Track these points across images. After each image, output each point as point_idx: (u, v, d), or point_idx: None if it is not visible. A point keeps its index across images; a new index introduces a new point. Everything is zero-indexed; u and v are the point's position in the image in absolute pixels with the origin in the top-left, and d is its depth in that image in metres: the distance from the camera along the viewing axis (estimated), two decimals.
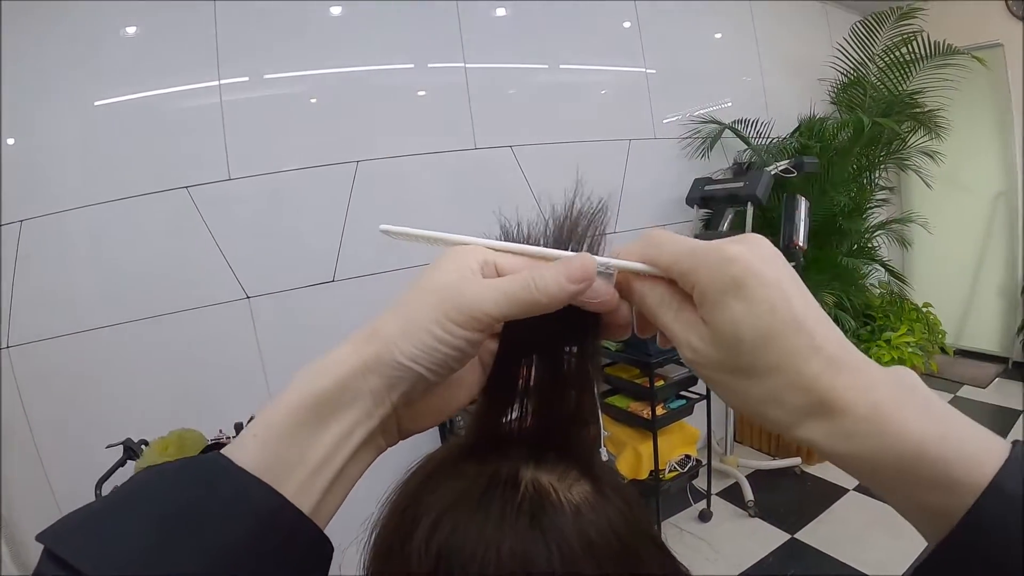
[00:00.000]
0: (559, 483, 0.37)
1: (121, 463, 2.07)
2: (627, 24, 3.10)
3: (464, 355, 0.36)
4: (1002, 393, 4.01)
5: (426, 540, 0.35)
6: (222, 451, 0.32)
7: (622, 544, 0.37)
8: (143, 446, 2.11)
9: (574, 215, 0.40)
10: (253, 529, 0.29)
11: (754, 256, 0.33)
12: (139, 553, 0.27)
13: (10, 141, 2.11)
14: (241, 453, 0.31)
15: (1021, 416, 3.64)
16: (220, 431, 2.25)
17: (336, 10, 2.52)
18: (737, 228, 2.88)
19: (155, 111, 2.24)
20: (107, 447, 2.06)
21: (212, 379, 2.42)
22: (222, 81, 2.31)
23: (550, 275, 0.35)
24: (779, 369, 0.32)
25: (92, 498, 1.82)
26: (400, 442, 0.40)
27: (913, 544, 2.58)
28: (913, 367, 3.40)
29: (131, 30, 2.20)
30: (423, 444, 0.43)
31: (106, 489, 1.93)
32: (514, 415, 0.41)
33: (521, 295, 0.35)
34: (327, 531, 0.34)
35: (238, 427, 2.28)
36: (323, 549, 0.33)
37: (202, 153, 2.31)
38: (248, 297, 2.42)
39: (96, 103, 2.18)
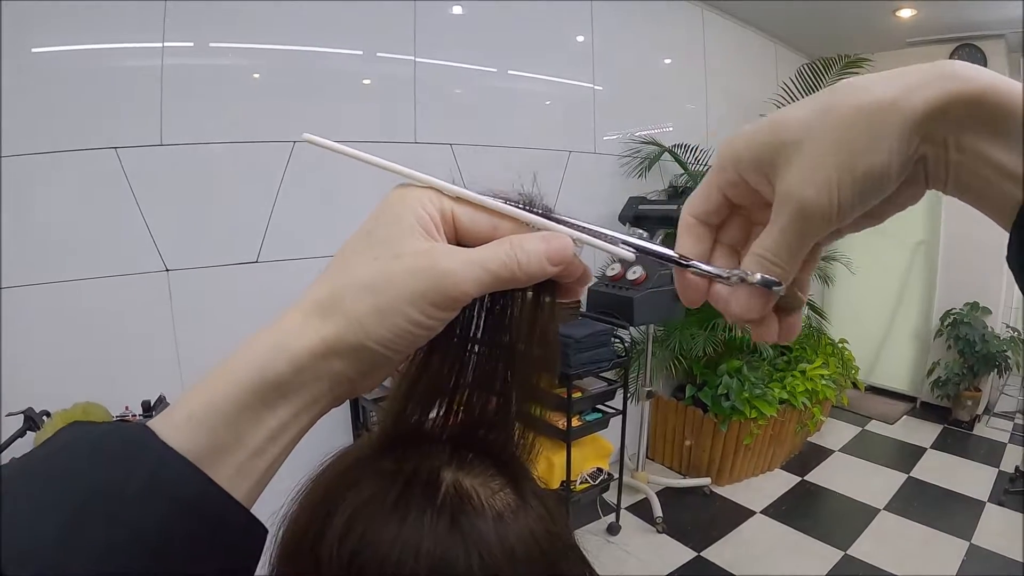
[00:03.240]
0: (481, 487, 0.35)
1: (21, 433, 1.97)
2: (581, 39, 3.14)
3: (434, 333, 0.33)
4: (909, 430, 4.21)
5: (338, 540, 0.32)
6: (151, 423, 0.29)
7: (542, 552, 0.35)
8: (45, 417, 2.02)
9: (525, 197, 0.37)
10: (172, 515, 0.27)
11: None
12: (49, 537, 0.24)
13: None
14: (171, 431, 0.28)
15: (926, 453, 3.83)
16: (127, 407, 2.16)
17: None
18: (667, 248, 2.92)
19: (94, 65, 2.13)
20: (7, 415, 1.96)
21: (122, 353, 2.32)
22: (166, 43, 2.22)
23: (533, 252, 0.33)
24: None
25: None
26: (312, 434, 0.36)
27: (816, 565, 2.69)
28: (825, 399, 3.53)
29: None
30: (338, 437, 0.40)
31: (4, 459, 1.84)
32: (436, 410, 0.38)
33: (502, 273, 0.32)
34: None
35: (145, 405, 2.20)
36: (254, 533, 0.31)
37: (136, 115, 2.21)
38: (167, 270, 2.34)
39: (34, 50, 2.07)
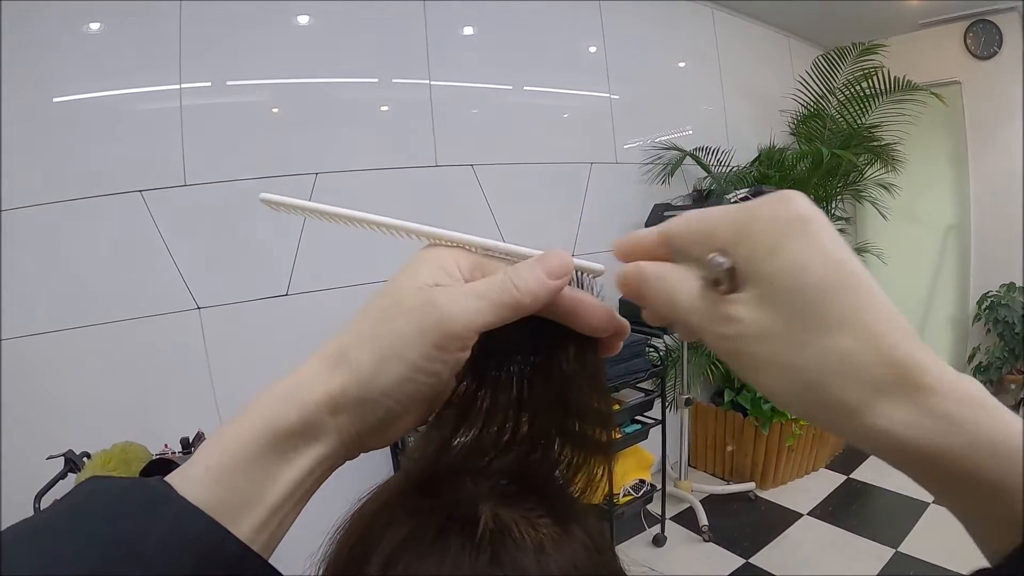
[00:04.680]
0: (521, 519, 0.34)
1: (62, 475, 1.99)
2: (593, 49, 3.13)
3: (442, 380, 0.33)
4: None
5: None
6: (168, 478, 0.29)
7: None
8: (85, 458, 2.04)
9: None
10: (192, 567, 0.27)
11: (809, 202, 0.29)
12: None
13: None
14: (189, 485, 0.29)
15: None
16: (166, 446, 2.18)
17: (304, 19, 2.50)
18: None
19: (114, 111, 2.18)
20: (48, 458, 1.98)
21: (159, 391, 2.35)
22: (184, 85, 2.26)
23: (528, 272, 0.32)
24: (850, 327, 0.26)
25: (31, 511, 1.75)
26: (352, 470, 0.37)
27: (867, 565, 2.64)
28: None
29: (95, 26, 2.14)
30: (379, 467, 0.40)
31: (46, 502, 1.86)
32: (473, 443, 0.38)
33: (503, 299, 0.32)
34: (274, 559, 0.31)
35: (184, 442, 2.22)
36: None
37: (159, 157, 2.25)
38: (199, 308, 2.37)
39: (56, 99, 2.11)
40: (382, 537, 0.34)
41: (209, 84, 2.33)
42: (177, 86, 2.26)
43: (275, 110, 2.47)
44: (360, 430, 0.33)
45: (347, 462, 0.36)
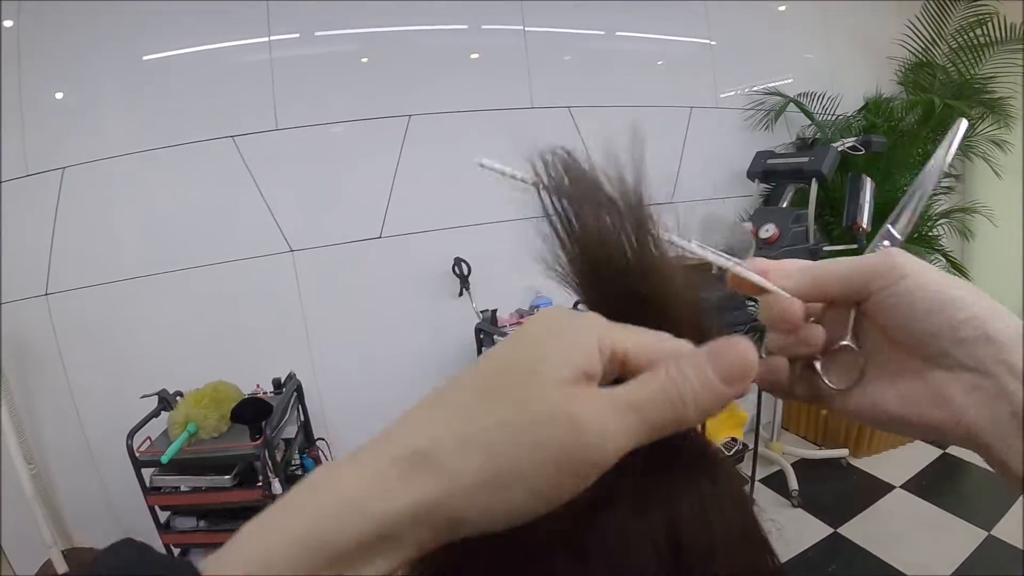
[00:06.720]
0: None
1: (155, 414, 2.06)
2: None
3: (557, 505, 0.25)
4: None
5: None
6: (205, 562, 0.23)
7: None
8: (178, 397, 2.10)
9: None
10: None
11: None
12: None
13: (59, 95, 2.11)
14: None
15: None
16: (257, 386, 2.22)
17: None
18: (798, 204, 2.76)
19: (204, 66, 2.23)
20: (142, 397, 2.04)
21: (252, 332, 2.40)
22: (272, 37, 2.29)
23: (696, 377, 0.25)
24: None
25: (123, 447, 1.79)
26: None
27: (957, 545, 2.50)
28: None
29: None
30: None
31: (138, 439, 1.92)
32: None
33: (663, 417, 0.25)
34: None
35: (276, 382, 2.26)
36: None
37: (249, 105, 2.30)
38: (292, 250, 2.39)
39: (145, 58, 2.17)
40: None
41: (298, 35, 2.35)
42: (267, 39, 2.28)
43: (364, 60, 2.45)
44: (443, 541, 0.25)
45: None
